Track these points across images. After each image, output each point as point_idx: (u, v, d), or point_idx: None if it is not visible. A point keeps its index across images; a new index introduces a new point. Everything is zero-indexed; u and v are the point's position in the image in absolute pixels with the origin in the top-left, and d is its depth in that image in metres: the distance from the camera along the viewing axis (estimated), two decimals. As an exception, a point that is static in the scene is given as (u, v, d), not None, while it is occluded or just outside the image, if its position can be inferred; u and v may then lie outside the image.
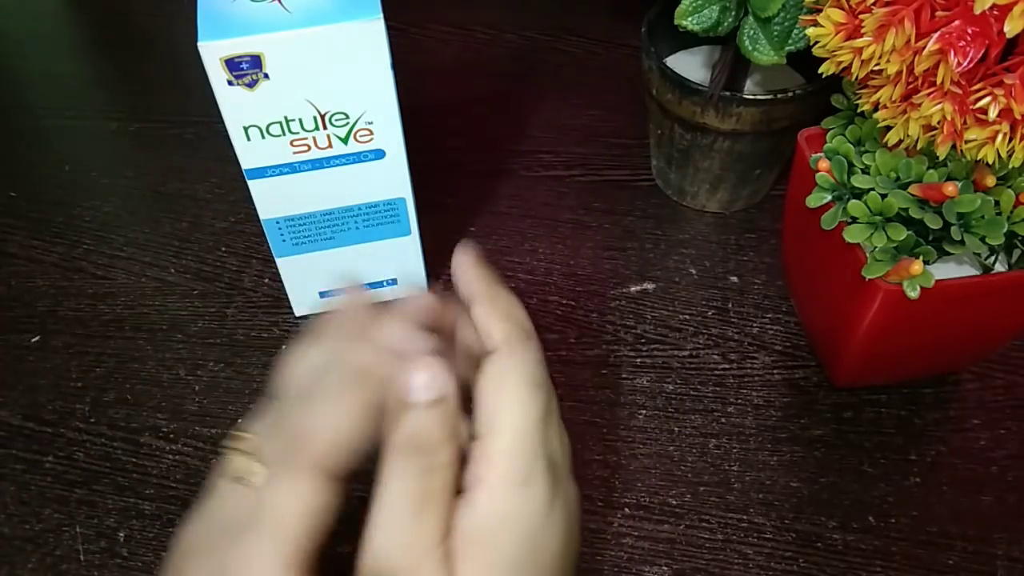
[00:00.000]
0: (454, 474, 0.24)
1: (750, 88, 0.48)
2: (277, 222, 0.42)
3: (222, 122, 0.37)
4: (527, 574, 0.24)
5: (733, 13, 0.41)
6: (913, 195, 0.35)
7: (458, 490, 0.24)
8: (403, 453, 0.23)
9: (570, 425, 0.46)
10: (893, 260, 0.34)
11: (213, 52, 0.34)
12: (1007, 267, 0.36)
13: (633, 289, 0.49)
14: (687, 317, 0.47)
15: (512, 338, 0.26)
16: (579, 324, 0.47)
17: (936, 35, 0.28)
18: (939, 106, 0.30)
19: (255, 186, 0.40)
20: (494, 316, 0.27)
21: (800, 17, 0.38)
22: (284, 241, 0.43)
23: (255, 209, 0.41)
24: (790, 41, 0.41)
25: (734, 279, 0.49)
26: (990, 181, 0.35)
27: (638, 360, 0.46)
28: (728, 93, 0.45)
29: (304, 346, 0.27)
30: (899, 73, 0.31)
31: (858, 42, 0.31)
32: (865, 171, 0.37)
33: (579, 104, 0.59)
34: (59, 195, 0.55)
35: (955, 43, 0.28)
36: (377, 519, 0.24)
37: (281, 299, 0.48)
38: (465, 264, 0.28)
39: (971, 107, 0.30)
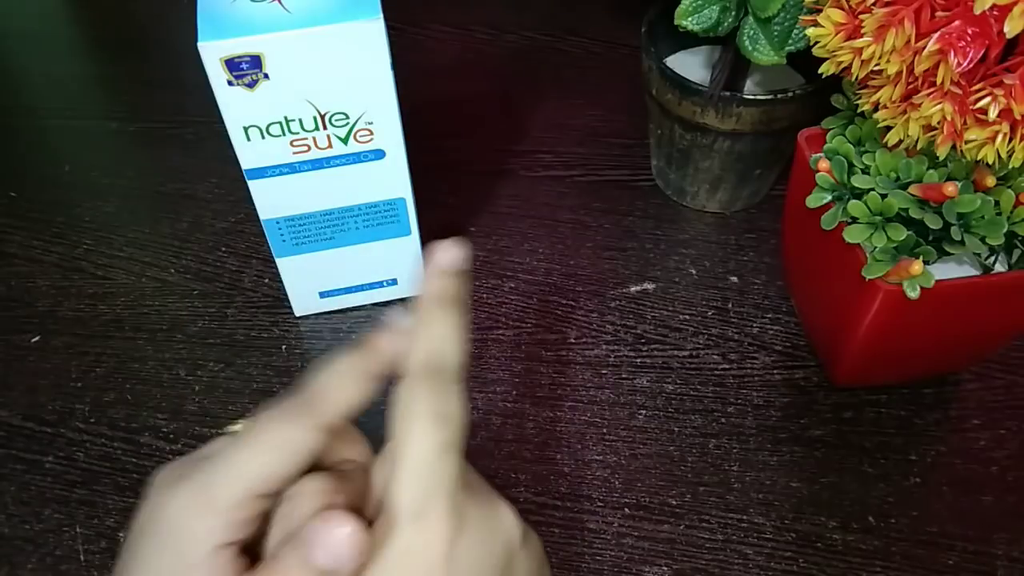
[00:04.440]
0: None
1: (750, 88, 0.48)
2: (277, 222, 0.42)
3: (222, 122, 0.37)
4: None
5: (733, 13, 0.41)
6: (913, 195, 0.35)
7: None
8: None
9: (570, 425, 0.46)
10: (893, 260, 0.34)
11: (213, 52, 0.34)
12: (1007, 267, 0.36)
13: (633, 289, 0.49)
14: (687, 317, 0.47)
15: (428, 367, 0.24)
16: (579, 324, 0.47)
17: (936, 35, 0.28)
18: (939, 106, 0.30)
19: (255, 186, 0.40)
20: (422, 339, 0.24)
21: (800, 17, 0.38)
22: (284, 241, 0.43)
23: (255, 209, 0.41)
24: (790, 41, 0.41)
25: (734, 279, 0.49)
26: (990, 181, 0.35)
27: (638, 360, 0.46)
28: (728, 93, 0.45)
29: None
30: (899, 73, 0.31)
31: (858, 42, 0.31)
32: (865, 171, 0.37)
33: (579, 104, 0.59)
34: (59, 195, 0.55)
35: (955, 43, 0.28)
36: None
37: (281, 299, 0.48)
38: (438, 270, 0.26)
39: (971, 107, 0.30)
